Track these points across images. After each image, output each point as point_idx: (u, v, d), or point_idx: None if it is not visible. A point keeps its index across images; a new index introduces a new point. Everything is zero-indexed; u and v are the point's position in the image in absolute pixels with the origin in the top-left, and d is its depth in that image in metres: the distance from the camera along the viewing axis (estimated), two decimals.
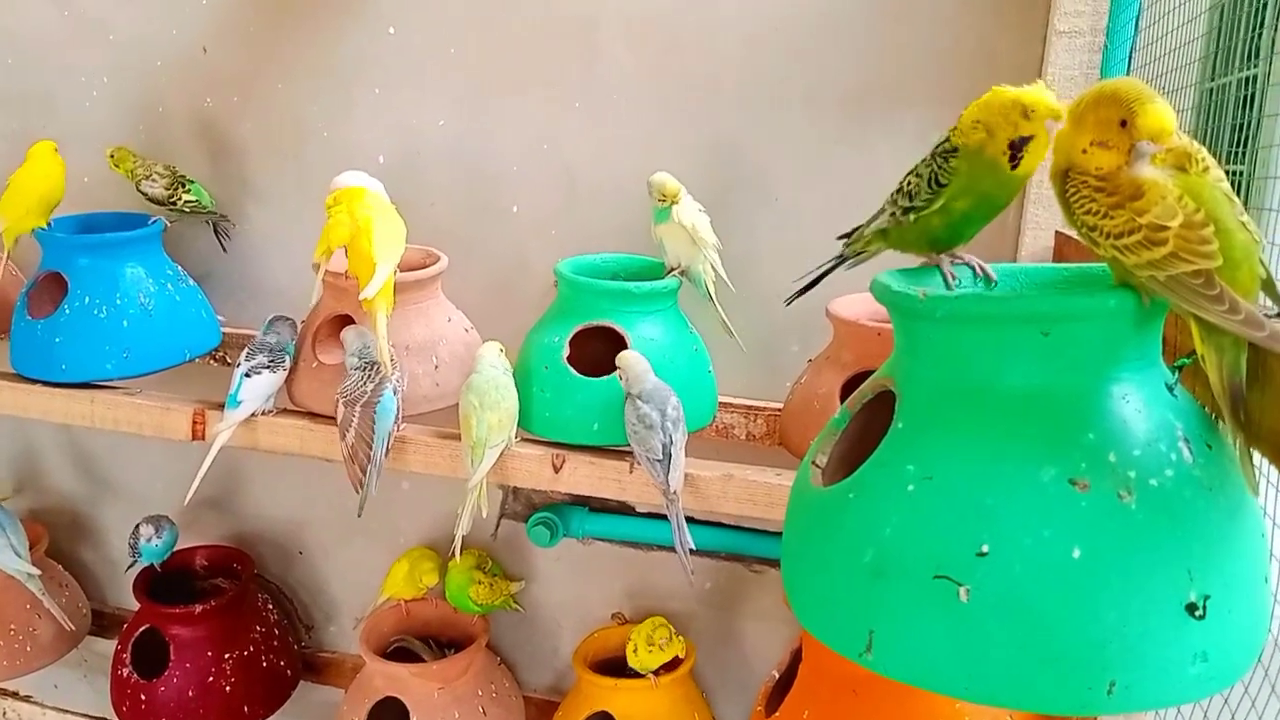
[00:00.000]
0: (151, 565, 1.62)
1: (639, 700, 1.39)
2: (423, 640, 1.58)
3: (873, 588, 0.55)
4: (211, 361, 1.64)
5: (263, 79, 1.59)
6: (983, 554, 0.53)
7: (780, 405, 1.41)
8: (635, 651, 1.38)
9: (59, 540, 1.80)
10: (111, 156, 1.56)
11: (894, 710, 0.79)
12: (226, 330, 1.59)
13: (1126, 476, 0.53)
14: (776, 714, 0.86)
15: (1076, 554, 0.52)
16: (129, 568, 1.62)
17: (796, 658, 0.89)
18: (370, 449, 1.22)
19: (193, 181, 1.58)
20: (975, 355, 0.56)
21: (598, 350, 1.32)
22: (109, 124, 1.67)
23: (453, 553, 1.21)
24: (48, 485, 1.90)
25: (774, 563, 1.54)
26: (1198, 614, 0.52)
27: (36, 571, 1.65)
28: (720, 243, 1.32)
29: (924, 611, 0.54)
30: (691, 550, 1.17)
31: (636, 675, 1.40)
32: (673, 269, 1.34)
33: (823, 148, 1.40)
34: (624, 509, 1.60)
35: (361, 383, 1.26)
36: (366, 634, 1.50)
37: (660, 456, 1.18)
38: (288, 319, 1.40)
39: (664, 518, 1.57)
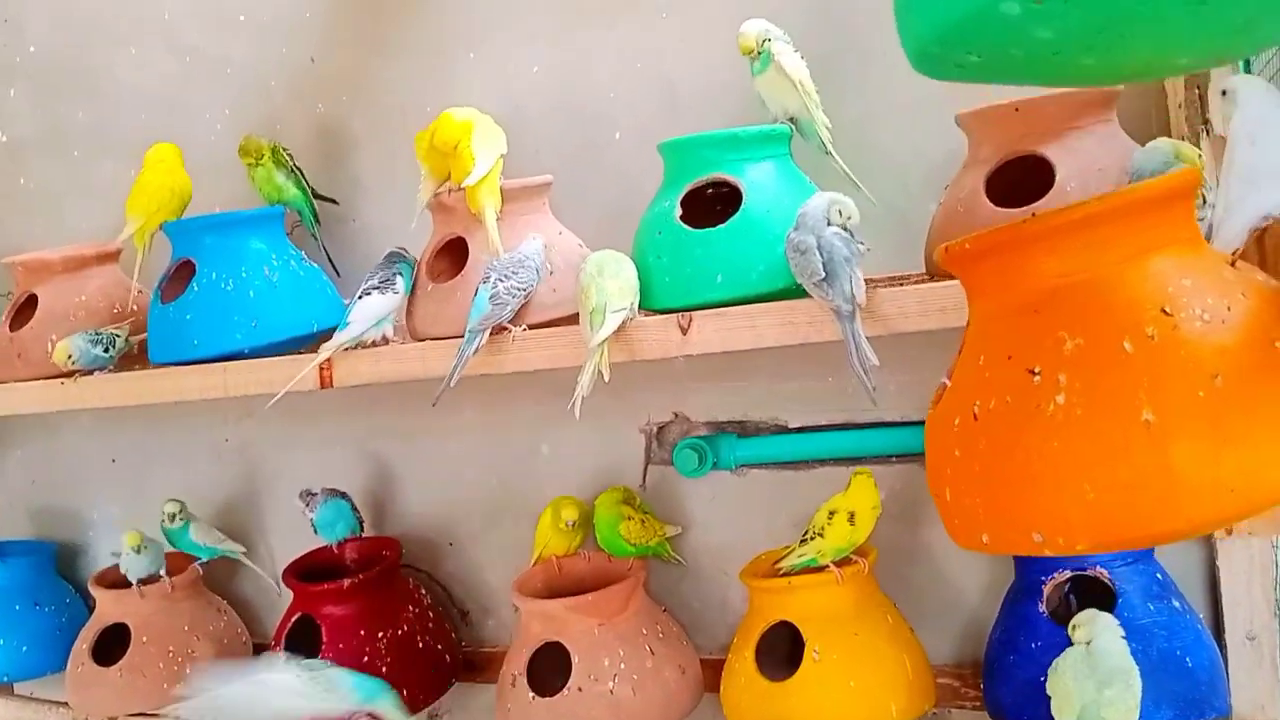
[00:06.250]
0: (306, 562, 1.59)
1: (821, 600, 1.21)
2: None
3: None
4: None
5: (366, 70, 1.65)
6: None
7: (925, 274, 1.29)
8: (831, 517, 1.21)
9: (212, 575, 1.77)
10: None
11: (1095, 310, 0.62)
12: None
13: None
14: (949, 383, 0.71)
15: None
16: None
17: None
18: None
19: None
20: None
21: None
22: (233, 153, 1.74)
23: (572, 406, 1.12)
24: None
25: None
26: None
27: (242, 549, 1.74)
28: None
29: None
30: (874, 366, 1.05)
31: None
32: (779, 121, 1.26)
33: None
34: (776, 429, 1.47)
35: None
36: (519, 585, 1.40)
37: (822, 275, 1.07)
38: (398, 250, 1.39)
39: (821, 429, 1.45)
